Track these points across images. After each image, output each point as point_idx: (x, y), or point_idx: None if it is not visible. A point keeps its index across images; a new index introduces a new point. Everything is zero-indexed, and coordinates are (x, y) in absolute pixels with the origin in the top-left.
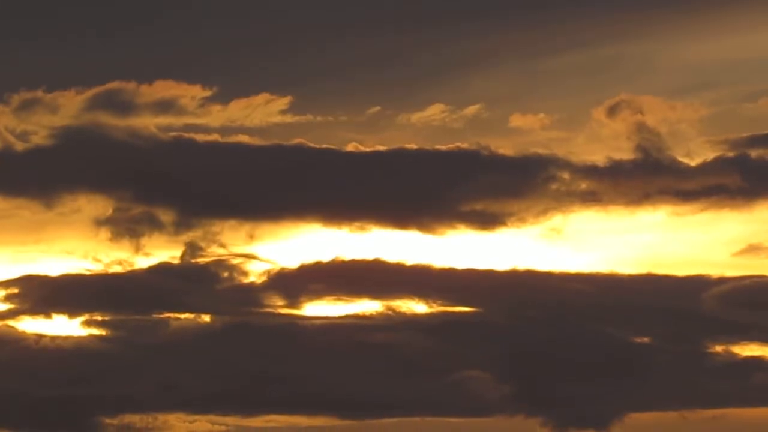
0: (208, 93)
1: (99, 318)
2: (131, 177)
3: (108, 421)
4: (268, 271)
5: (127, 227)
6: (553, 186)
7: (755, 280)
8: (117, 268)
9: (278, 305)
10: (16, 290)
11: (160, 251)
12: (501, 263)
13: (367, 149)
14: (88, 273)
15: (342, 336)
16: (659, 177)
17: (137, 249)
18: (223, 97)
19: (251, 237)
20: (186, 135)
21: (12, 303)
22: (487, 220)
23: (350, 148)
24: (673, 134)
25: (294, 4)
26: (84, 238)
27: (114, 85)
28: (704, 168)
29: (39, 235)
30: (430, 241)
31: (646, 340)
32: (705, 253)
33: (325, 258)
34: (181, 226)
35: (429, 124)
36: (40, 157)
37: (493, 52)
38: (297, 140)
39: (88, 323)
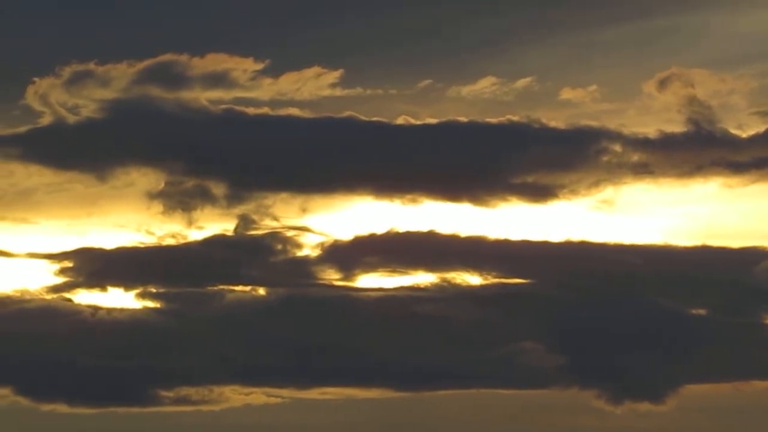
0: (259, 66)
1: (153, 290)
2: (182, 150)
3: (164, 393)
4: (322, 244)
5: (179, 200)
6: (605, 158)
7: None
8: (170, 241)
9: (333, 278)
10: (70, 263)
11: (213, 224)
12: (555, 235)
13: (418, 122)
14: (142, 246)
15: (396, 308)
16: (711, 149)
17: (190, 222)
18: (274, 71)
19: (303, 210)
20: (237, 108)
21: (67, 276)
22: (539, 193)
23: (401, 121)
24: (724, 107)
25: None
26: (137, 211)
27: (165, 57)
28: (756, 139)
29: (92, 209)
30: (483, 213)
31: (701, 311)
32: (759, 224)
33: (380, 230)
34: (233, 199)
35: (480, 96)
36: (91, 130)
37: (544, 25)
38: (347, 113)
39: (143, 295)
